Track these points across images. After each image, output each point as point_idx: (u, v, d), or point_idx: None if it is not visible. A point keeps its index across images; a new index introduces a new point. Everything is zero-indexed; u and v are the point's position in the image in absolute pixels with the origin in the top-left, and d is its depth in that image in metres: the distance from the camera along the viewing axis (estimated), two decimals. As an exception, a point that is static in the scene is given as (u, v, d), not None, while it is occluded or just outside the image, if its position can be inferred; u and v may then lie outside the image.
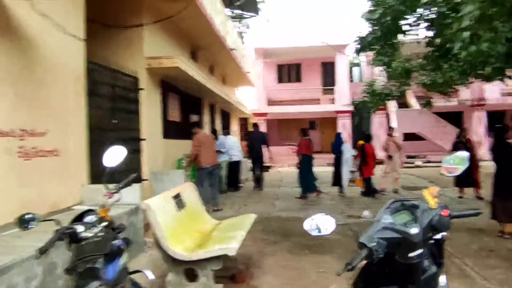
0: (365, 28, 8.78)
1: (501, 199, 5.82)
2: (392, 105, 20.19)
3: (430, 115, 19.54)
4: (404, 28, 7.88)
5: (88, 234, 2.15)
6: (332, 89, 23.98)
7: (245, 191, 11.46)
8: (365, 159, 9.98)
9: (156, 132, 8.75)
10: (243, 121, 24.05)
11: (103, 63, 6.63)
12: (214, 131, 10.97)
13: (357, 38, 8.75)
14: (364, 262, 1.74)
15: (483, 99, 21.09)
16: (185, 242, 4.05)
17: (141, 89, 7.92)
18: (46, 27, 4.85)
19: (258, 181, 11.68)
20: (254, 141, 11.66)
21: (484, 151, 16.91)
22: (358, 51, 9.08)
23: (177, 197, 4.54)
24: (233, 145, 11.32)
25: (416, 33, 8.54)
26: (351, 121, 23.24)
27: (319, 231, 1.83)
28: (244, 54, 19.41)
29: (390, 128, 11.03)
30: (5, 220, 3.81)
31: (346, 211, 8.17)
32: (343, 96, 22.76)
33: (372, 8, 7.66)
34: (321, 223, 1.84)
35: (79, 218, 2.28)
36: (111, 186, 2.47)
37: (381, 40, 8.32)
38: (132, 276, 2.39)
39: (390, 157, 10.52)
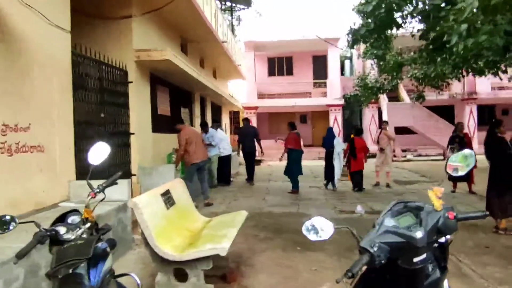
0: (356, 21, 8.67)
1: (496, 194, 5.78)
2: (383, 98, 20.19)
3: (422, 109, 19.54)
4: (398, 20, 7.79)
5: (71, 236, 2.04)
6: (324, 83, 23.90)
7: (236, 186, 11.36)
8: (354, 153, 9.91)
9: (146, 126, 8.59)
10: (235, 115, 23.86)
11: (90, 55, 6.43)
12: (204, 124, 10.81)
13: (350, 30, 8.65)
14: (365, 268, 1.63)
15: (474, 93, 21.18)
16: (175, 240, 3.91)
17: (130, 82, 7.75)
18: (29, 17, 4.65)
19: (251, 176, 11.61)
20: (245, 137, 11.51)
21: (474, 146, 17.01)
22: (352, 44, 8.98)
23: (166, 194, 4.39)
24: (222, 139, 11.20)
25: (410, 26, 8.46)
26: (342, 115, 23.22)
27: (317, 235, 1.74)
28: (235, 47, 19.22)
29: (384, 122, 10.96)
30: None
31: (338, 206, 8.11)
32: (335, 90, 22.71)
33: (367, 0, 7.54)
34: (319, 227, 1.75)
35: (62, 219, 2.17)
36: (95, 185, 2.35)
37: (375, 32, 8.24)
38: (119, 279, 2.27)
39: (382, 150, 10.49)
